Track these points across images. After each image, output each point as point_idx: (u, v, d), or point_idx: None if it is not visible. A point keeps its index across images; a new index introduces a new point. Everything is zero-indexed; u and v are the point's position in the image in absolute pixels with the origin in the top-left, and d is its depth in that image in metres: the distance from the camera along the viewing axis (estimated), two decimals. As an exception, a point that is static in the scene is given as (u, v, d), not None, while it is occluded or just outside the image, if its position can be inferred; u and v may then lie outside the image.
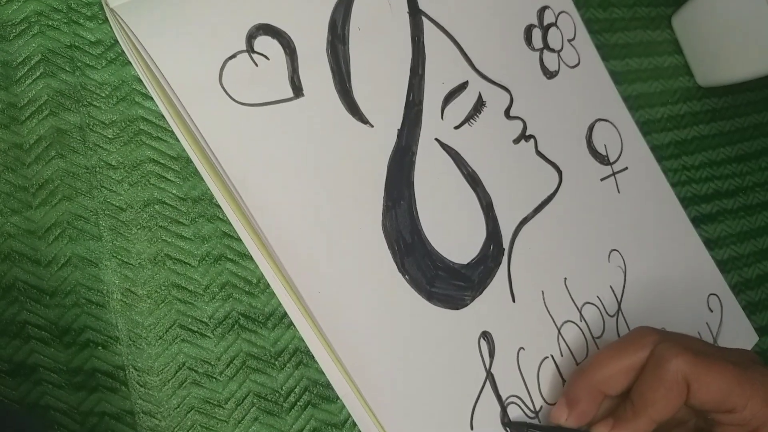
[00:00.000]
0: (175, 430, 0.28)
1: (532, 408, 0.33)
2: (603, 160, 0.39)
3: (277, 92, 0.30)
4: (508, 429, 0.32)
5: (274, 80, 0.30)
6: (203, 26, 0.28)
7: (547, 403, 0.33)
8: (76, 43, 0.29)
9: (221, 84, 0.28)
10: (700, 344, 0.31)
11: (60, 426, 0.26)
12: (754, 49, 0.40)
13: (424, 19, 0.34)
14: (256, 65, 0.29)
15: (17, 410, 0.26)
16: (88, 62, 0.29)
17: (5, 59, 0.28)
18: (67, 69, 0.29)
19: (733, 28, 0.41)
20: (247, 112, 0.29)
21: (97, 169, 0.28)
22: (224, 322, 0.29)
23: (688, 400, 0.29)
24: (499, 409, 0.32)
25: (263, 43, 0.29)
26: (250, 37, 0.29)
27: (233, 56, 0.29)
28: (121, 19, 0.27)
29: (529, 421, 0.33)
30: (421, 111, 0.33)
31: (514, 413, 0.32)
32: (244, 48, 0.29)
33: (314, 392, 0.30)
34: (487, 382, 0.32)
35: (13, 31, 0.28)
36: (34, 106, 0.28)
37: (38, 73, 0.28)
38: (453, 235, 0.33)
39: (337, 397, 0.30)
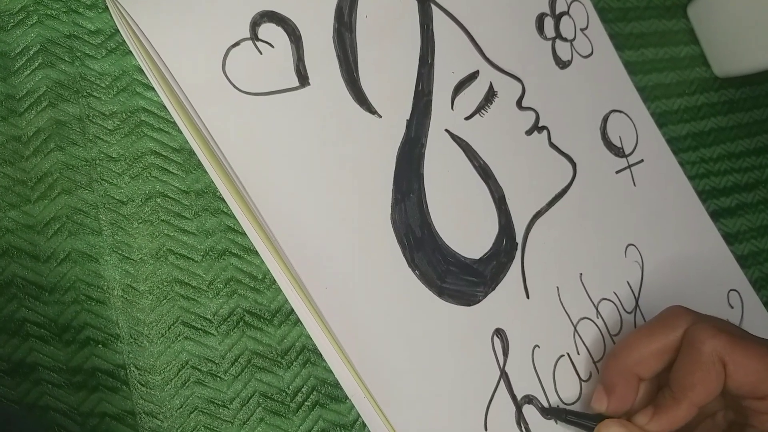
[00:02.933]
0: (178, 431, 0.27)
1: (548, 408, 0.32)
2: (618, 152, 0.38)
3: (282, 81, 0.29)
4: (548, 416, 0.32)
5: (279, 69, 0.29)
6: (206, 13, 0.28)
7: (563, 402, 0.32)
8: (76, 33, 0.29)
9: (225, 73, 0.28)
10: (733, 327, 0.30)
11: (60, 427, 0.26)
12: (773, 38, 0.39)
13: (433, 6, 0.33)
14: (261, 53, 0.29)
15: (16, 411, 0.26)
16: (87, 52, 0.29)
17: (3, 50, 0.28)
18: (67, 59, 0.28)
19: (750, 17, 0.40)
20: (251, 101, 0.28)
21: (97, 161, 0.28)
22: (229, 319, 0.29)
23: (725, 383, 0.29)
24: (514, 409, 0.31)
25: (268, 30, 0.29)
26: (254, 25, 0.29)
27: (237, 44, 0.28)
28: (122, 7, 0.27)
29: (568, 408, 0.32)
30: (430, 101, 0.32)
31: (529, 413, 0.31)
32: (248, 36, 0.28)
33: (322, 392, 0.29)
34: (501, 381, 0.31)
35: (11, 20, 0.28)
36: (32, 97, 0.28)
37: (37, 64, 0.28)
38: (464, 229, 0.32)
39: (346, 397, 0.30)
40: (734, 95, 0.45)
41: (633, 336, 0.31)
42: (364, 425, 0.30)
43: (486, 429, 0.30)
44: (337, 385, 0.30)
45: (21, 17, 0.28)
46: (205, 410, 0.28)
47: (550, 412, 0.32)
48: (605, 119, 0.38)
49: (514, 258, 0.33)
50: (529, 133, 0.35)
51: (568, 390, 0.33)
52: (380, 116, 0.31)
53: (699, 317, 0.30)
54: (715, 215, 0.41)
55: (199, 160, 0.29)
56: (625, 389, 0.30)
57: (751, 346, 0.28)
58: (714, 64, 0.44)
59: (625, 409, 0.31)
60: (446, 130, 0.32)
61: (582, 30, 0.38)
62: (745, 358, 0.28)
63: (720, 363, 0.28)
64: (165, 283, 0.28)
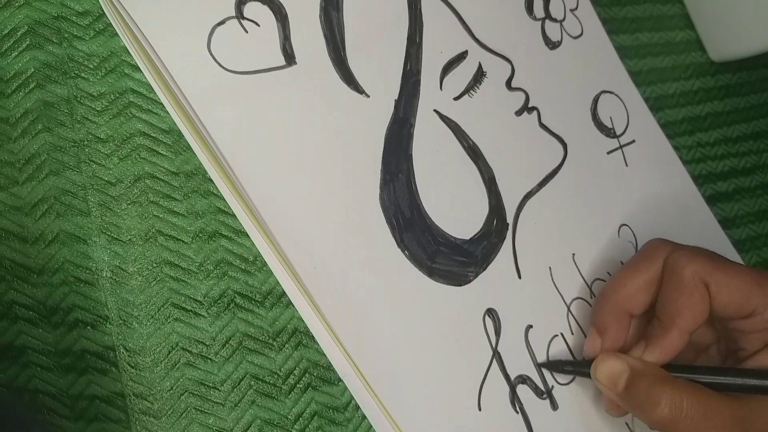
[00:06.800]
0: (168, 413, 0.27)
1: (543, 388, 0.31)
2: (609, 132, 0.37)
3: (269, 60, 0.29)
4: (544, 369, 0.32)
5: (265, 47, 0.29)
6: (190, -9, 0.28)
7: (558, 383, 0.32)
8: (64, 14, 0.28)
9: (210, 51, 0.28)
10: (712, 253, 0.30)
11: (49, 410, 0.26)
12: (768, 22, 0.39)
13: (420, -15, 0.33)
14: (246, 32, 0.29)
15: (5, 394, 0.25)
16: (75, 33, 0.28)
17: (-10, 30, 0.27)
18: (54, 40, 0.28)
19: (745, 1, 0.40)
20: (237, 80, 0.28)
21: (86, 142, 0.28)
22: (219, 301, 0.28)
23: (711, 305, 0.28)
24: (507, 389, 0.31)
25: (253, 8, 0.29)
26: (240, 3, 0.29)
27: (222, 22, 0.28)
28: (106, -15, 0.27)
29: (563, 359, 0.32)
30: (419, 81, 0.32)
31: (524, 393, 0.31)
32: (233, 14, 0.28)
33: (315, 374, 0.29)
34: (494, 361, 0.31)
35: (-2, 1, 0.28)
36: (20, 78, 0.27)
37: (24, 45, 0.28)
38: (454, 209, 0.32)
39: (339, 379, 0.29)
40: (730, 80, 0.44)
41: (618, 274, 0.31)
42: (357, 407, 0.29)
43: (480, 409, 0.30)
44: (329, 367, 0.29)
45: (8, -1, 0.28)
46: (195, 392, 0.27)
47: (547, 366, 0.32)
48: (596, 100, 0.37)
49: (505, 238, 0.33)
50: (518, 113, 0.35)
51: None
52: (368, 96, 0.31)
53: (678, 246, 0.30)
54: (713, 200, 0.41)
55: (188, 141, 0.29)
56: (616, 328, 0.30)
57: (730, 266, 0.29)
58: (709, 48, 0.43)
59: (619, 347, 0.31)
60: (435, 111, 0.32)
61: (572, 11, 0.38)
62: (727, 276, 0.28)
63: (702, 285, 0.28)
64: (154, 265, 0.28)
